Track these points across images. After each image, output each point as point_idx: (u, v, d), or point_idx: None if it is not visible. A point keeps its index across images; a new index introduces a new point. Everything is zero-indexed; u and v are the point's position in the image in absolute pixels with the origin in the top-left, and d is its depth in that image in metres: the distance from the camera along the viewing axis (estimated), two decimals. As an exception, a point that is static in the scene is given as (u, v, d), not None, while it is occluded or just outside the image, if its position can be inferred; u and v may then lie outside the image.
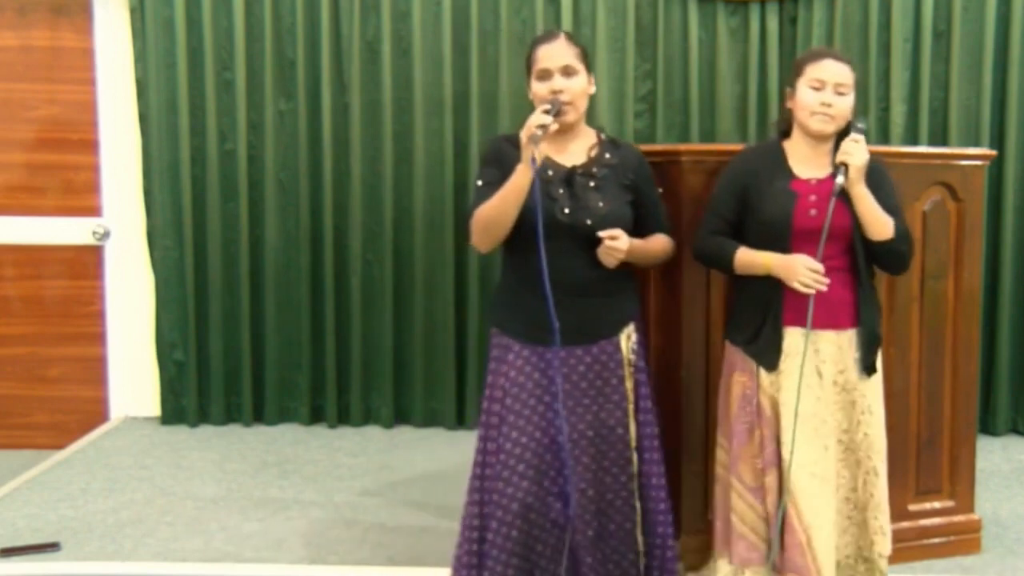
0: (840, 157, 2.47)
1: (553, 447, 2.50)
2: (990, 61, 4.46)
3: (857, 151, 2.46)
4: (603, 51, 4.49)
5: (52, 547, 3.19)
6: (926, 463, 3.18)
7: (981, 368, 4.12)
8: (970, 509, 3.25)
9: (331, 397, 4.64)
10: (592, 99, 4.40)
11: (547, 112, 2.40)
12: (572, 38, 2.59)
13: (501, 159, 2.50)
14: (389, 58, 4.50)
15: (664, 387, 2.96)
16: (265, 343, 4.62)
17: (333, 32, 4.51)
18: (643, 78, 4.56)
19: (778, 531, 2.55)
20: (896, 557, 3.07)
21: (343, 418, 4.68)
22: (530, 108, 2.51)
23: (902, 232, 2.54)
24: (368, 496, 3.75)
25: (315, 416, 4.69)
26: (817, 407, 2.54)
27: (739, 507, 2.63)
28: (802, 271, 2.47)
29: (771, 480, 2.56)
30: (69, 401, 4.74)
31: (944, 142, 4.48)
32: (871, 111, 4.47)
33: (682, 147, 3.04)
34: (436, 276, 4.57)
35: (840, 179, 2.44)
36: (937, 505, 3.20)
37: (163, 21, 4.49)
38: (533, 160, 2.35)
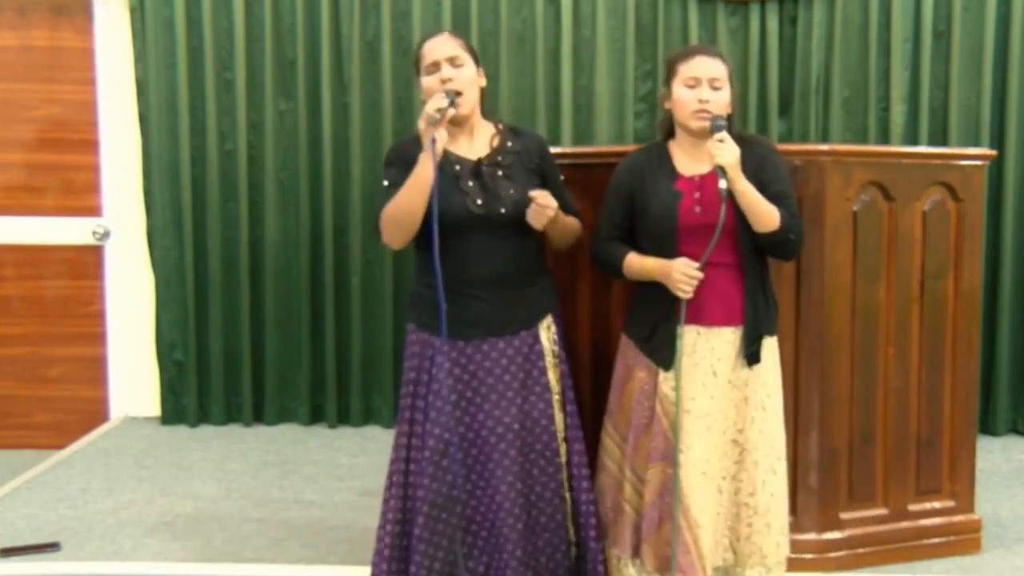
0: (713, 161, 2.45)
1: (478, 441, 2.53)
2: (990, 61, 4.46)
3: (725, 150, 2.44)
4: (603, 51, 4.49)
5: (52, 547, 3.19)
6: (926, 463, 3.18)
7: (981, 368, 4.13)
8: (970, 509, 3.25)
9: (331, 397, 4.64)
10: (592, 99, 4.39)
11: (444, 98, 2.45)
12: (456, 34, 2.64)
13: (405, 158, 2.53)
14: (389, 58, 4.50)
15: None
16: (265, 343, 4.62)
17: (333, 32, 4.51)
18: (643, 78, 4.56)
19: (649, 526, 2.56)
20: (896, 557, 3.08)
21: (343, 418, 4.68)
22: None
23: (787, 221, 2.50)
24: (368, 496, 3.75)
25: (315, 416, 4.69)
26: (711, 406, 2.54)
27: (632, 498, 2.63)
28: (679, 277, 2.48)
29: (653, 474, 2.56)
30: (69, 401, 4.74)
31: (944, 142, 4.48)
32: (871, 111, 4.47)
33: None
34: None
35: (723, 183, 2.43)
36: (937, 505, 3.20)
37: (163, 21, 4.49)
38: (433, 142, 2.39)
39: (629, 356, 2.67)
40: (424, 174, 2.42)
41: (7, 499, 3.68)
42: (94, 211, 4.72)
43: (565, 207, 2.66)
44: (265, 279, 4.60)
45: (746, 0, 4.48)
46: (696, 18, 4.51)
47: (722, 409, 2.55)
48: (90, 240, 4.70)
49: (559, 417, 2.60)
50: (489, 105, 2.69)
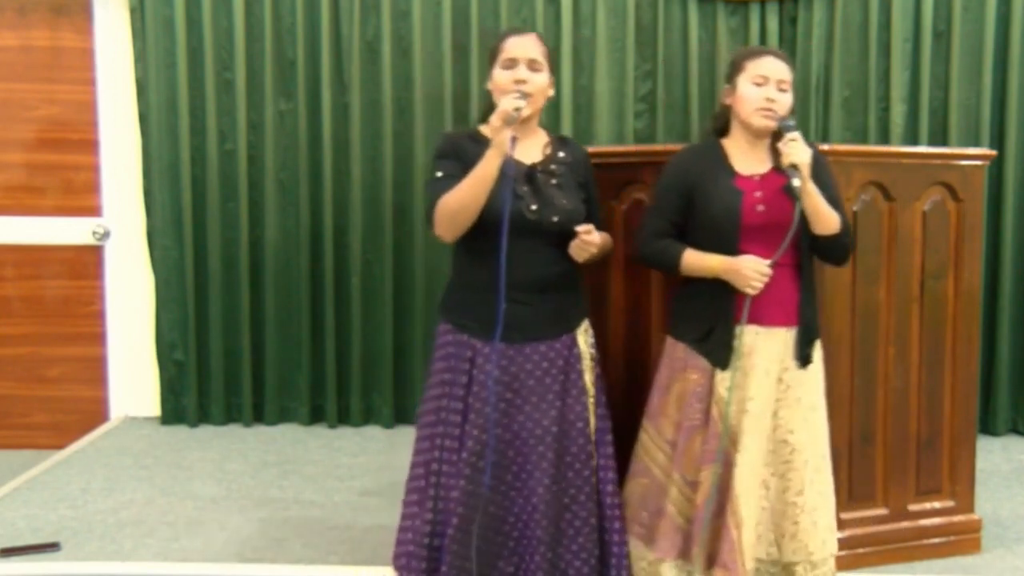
0: (787, 159, 2.45)
1: (516, 443, 2.52)
2: (990, 61, 4.46)
3: (800, 149, 2.45)
4: (603, 51, 4.49)
5: (52, 547, 3.19)
6: (926, 463, 3.18)
7: (981, 368, 4.12)
8: (970, 509, 3.25)
9: (331, 397, 4.64)
10: (592, 99, 4.39)
11: (518, 98, 2.44)
12: (542, 38, 2.63)
13: (459, 152, 2.52)
14: (389, 58, 4.50)
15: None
16: (265, 343, 4.62)
17: (333, 32, 4.51)
18: (643, 78, 4.56)
19: (705, 527, 2.55)
20: (896, 557, 3.08)
21: (343, 418, 4.68)
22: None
23: (846, 225, 2.56)
24: (368, 496, 3.75)
25: (315, 416, 4.69)
26: (765, 405, 2.55)
27: (679, 501, 2.62)
28: (751, 274, 2.48)
29: (704, 476, 2.56)
30: (69, 401, 4.74)
31: (944, 142, 4.48)
32: (871, 111, 4.47)
33: (682, 147, 3.04)
34: (436, 276, 4.56)
35: (796, 182, 2.43)
36: (937, 505, 3.20)
37: (163, 21, 4.49)
38: (513, 140, 2.38)
39: (677, 358, 2.64)
40: (490, 170, 2.40)
41: (7, 499, 3.67)
42: (94, 211, 4.71)
43: (600, 221, 2.68)
44: (265, 279, 4.60)
45: (746, 0, 4.48)
46: (696, 18, 4.51)
47: (772, 408, 2.56)
48: (90, 240, 4.70)
49: (592, 421, 2.60)
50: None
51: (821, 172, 2.57)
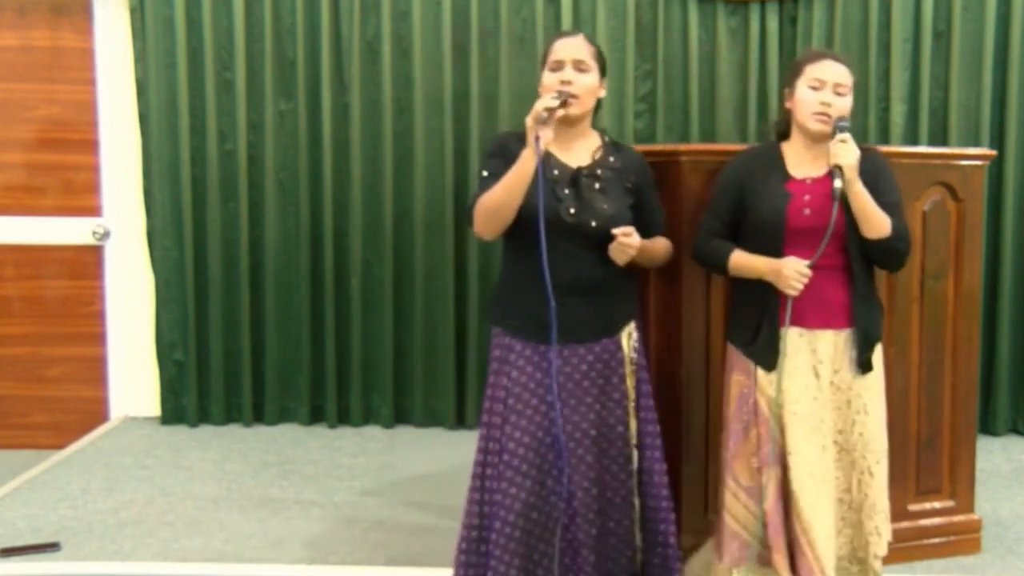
0: (832, 160, 2.46)
1: (556, 446, 2.51)
2: (990, 61, 4.46)
3: (846, 151, 2.45)
4: (603, 51, 4.47)
5: (52, 547, 3.19)
6: (926, 463, 3.18)
7: (981, 368, 4.12)
8: (970, 509, 3.25)
9: (331, 397, 4.64)
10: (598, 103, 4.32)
11: (555, 99, 2.43)
12: (591, 39, 2.63)
13: (506, 152, 2.52)
14: (389, 58, 4.50)
15: (664, 387, 2.96)
16: (265, 343, 4.62)
17: (333, 32, 4.51)
18: (643, 78, 4.56)
19: (780, 530, 2.55)
20: (896, 557, 3.07)
21: (343, 418, 4.68)
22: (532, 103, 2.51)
23: (899, 229, 2.52)
24: (368, 496, 3.75)
25: (315, 416, 4.69)
26: (814, 407, 2.54)
27: (733, 506, 2.63)
28: (790, 275, 2.48)
29: (768, 479, 2.56)
30: (69, 401, 4.74)
31: (944, 142, 4.48)
32: (871, 111, 4.48)
33: (682, 147, 3.05)
34: (436, 276, 4.57)
35: (838, 183, 2.44)
36: (937, 505, 3.20)
37: (163, 21, 4.49)
38: (537, 140, 2.38)
39: (730, 361, 2.67)
40: (525, 169, 2.41)
41: (7, 499, 3.68)
42: (94, 211, 4.71)
43: (657, 227, 2.66)
44: (265, 279, 4.59)
45: (746, 0, 4.48)
46: (696, 18, 4.51)
47: (825, 410, 2.55)
48: (90, 240, 4.70)
49: (632, 424, 2.59)
50: (596, 114, 2.66)
51: (880, 177, 2.56)
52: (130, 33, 4.53)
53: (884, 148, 3.75)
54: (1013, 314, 4.56)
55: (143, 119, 4.54)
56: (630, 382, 2.60)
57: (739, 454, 2.62)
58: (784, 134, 2.67)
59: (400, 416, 4.69)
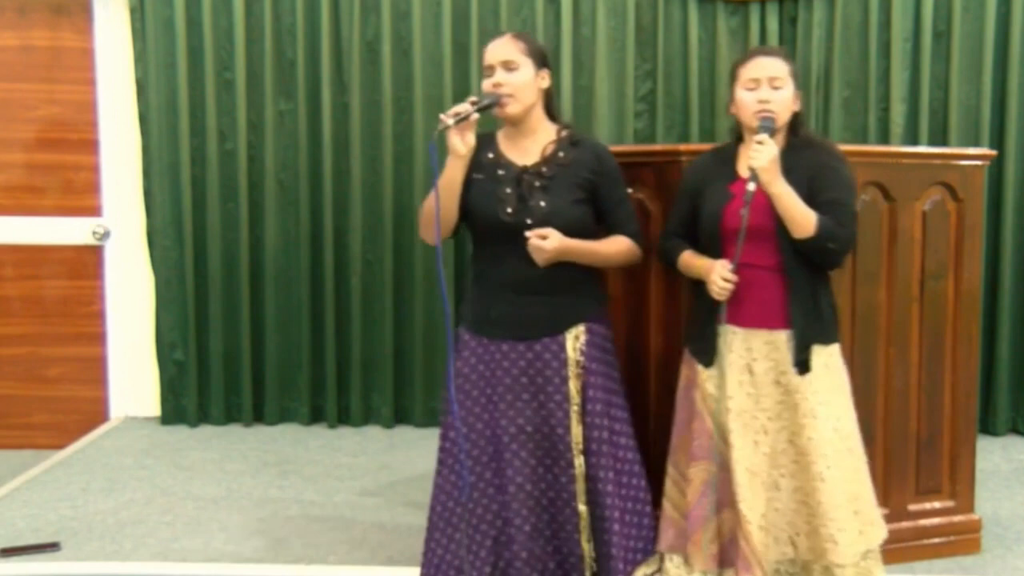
0: (749, 162, 2.45)
1: (494, 439, 2.55)
2: (990, 61, 4.46)
3: (760, 153, 2.44)
4: (603, 51, 4.49)
5: (52, 547, 3.19)
6: (926, 463, 3.18)
7: (981, 368, 4.12)
8: (970, 509, 3.25)
9: (331, 397, 4.64)
10: (592, 99, 4.36)
11: (473, 103, 2.48)
12: (521, 35, 2.62)
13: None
14: (389, 58, 4.50)
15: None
16: (265, 343, 4.62)
17: (333, 32, 4.51)
18: (643, 78, 4.56)
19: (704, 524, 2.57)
20: (896, 557, 3.07)
21: (343, 418, 4.68)
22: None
23: (828, 228, 2.47)
24: (368, 496, 3.75)
25: (315, 416, 4.69)
26: (747, 403, 2.55)
27: (672, 494, 2.67)
28: (713, 277, 2.51)
29: (696, 472, 2.58)
30: (69, 401, 4.74)
31: (944, 142, 4.48)
32: (871, 111, 4.47)
33: (682, 147, 3.04)
34: (436, 276, 4.57)
35: (752, 186, 2.44)
36: (937, 505, 3.20)
37: (163, 21, 4.49)
38: (432, 148, 2.42)
39: (684, 358, 2.71)
40: (450, 176, 2.49)
41: (7, 499, 3.68)
42: (94, 211, 4.71)
43: (619, 224, 2.64)
44: (265, 279, 4.59)
45: (746, 0, 4.48)
46: (696, 18, 4.51)
47: (765, 408, 2.56)
48: (90, 240, 4.70)
49: (576, 429, 2.56)
50: (550, 106, 2.66)
51: (822, 172, 2.54)
52: (130, 33, 4.53)
53: (884, 148, 3.78)
54: (1013, 314, 4.56)
55: (143, 119, 4.54)
56: (573, 385, 2.56)
57: (680, 444, 2.65)
58: (740, 137, 2.68)
59: (400, 416, 4.69)
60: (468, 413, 2.56)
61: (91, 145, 4.69)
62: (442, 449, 2.62)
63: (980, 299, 3.28)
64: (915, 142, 4.48)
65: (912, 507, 3.17)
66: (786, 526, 2.59)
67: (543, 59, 2.60)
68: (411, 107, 4.52)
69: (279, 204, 4.58)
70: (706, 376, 2.60)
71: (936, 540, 3.18)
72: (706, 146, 2.98)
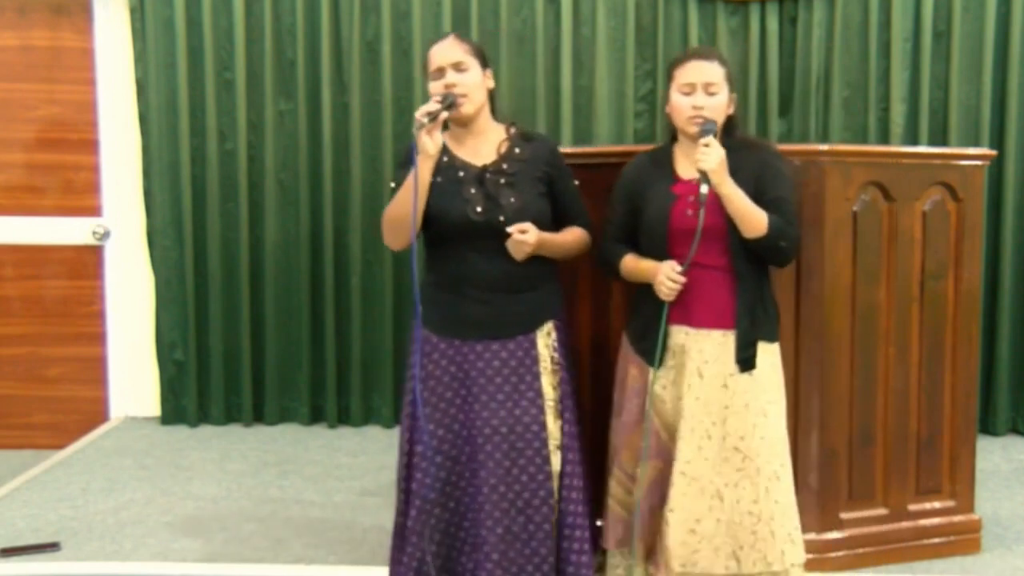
0: (697, 165, 2.46)
1: (469, 440, 2.55)
2: (990, 61, 4.46)
3: (709, 155, 2.44)
4: (603, 51, 4.49)
5: (52, 547, 3.19)
6: (926, 463, 3.18)
7: (981, 368, 4.12)
8: (970, 509, 3.25)
9: (331, 397, 4.64)
10: (592, 99, 4.37)
11: (439, 103, 2.48)
12: (462, 37, 2.64)
13: (413, 161, 2.53)
14: (389, 58, 4.50)
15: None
16: (265, 343, 4.62)
17: (333, 32, 4.52)
18: (643, 78, 4.56)
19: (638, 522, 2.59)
20: (896, 557, 3.08)
21: (343, 418, 4.68)
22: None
23: (779, 227, 2.49)
24: (368, 496, 3.75)
25: (315, 416, 4.69)
26: (695, 407, 2.54)
27: (617, 492, 2.67)
28: (660, 279, 2.50)
29: (643, 471, 2.58)
30: (69, 401, 4.75)
31: (944, 142, 4.48)
32: (871, 111, 4.47)
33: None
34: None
35: (704, 188, 2.44)
36: (937, 505, 3.20)
37: (163, 21, 4.49)
38: (413, 146, 2.43)
39: (623, 354, 2.70)
40: (421, 178, 2.47)
41: (7, 499, 3.68)
42: (94, 211, 4.72)
43: (573, 216, 2.67)
44: (265, 279, 4.60)
45: (746, 0, 4.48)
46: (696, 18, 4.51)
47: (711, 412, 2.53)
48: (90, 240, 4.70)
49: (554, 424, 2.57)
50: (494, 106, 2.68)
51: (767, 172, 2.55)
52: (130, 33, 4.53)
53: (884, 148, 3.78)
54: (1013, 314, 4.55)
55: (143, 119, 4.54)
56: (547, 381, 2.58)
57: (628, 443, 2.64)
58: (675, 136, 2.68)
59: (400, 416, 4.68)
60: (443, 415, 2.54)
61: (91, 145, 4.69)
62: (411, 454, 2.58)
63: (980, 299, 3.28)
64: (915, 142, 4.48)
65: (912, 507, 3.17)
66: (729, 539, 2.54)
67: (485, 59, 2.63)
68: (411, 107, 4.51)
69: (279, 204, 4.58)
70: (653, 376, 2.58)
71: (936, 540, 3.17)
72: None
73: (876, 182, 3.03)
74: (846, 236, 3.00)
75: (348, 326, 4.60)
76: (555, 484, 2.56)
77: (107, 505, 3.60)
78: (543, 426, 2.55)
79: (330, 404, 4.64)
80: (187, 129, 4.51)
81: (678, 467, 2.53)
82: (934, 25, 4.47)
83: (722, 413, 2.54)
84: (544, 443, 2.55)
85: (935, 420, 3.18)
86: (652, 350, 2.58)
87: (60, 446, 4.41)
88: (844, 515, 3.06)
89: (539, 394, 2.56)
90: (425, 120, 2.44)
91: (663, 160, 2.65)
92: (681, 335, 2.56)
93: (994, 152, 3.38)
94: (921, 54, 4.47)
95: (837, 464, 3.04)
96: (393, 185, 2.59)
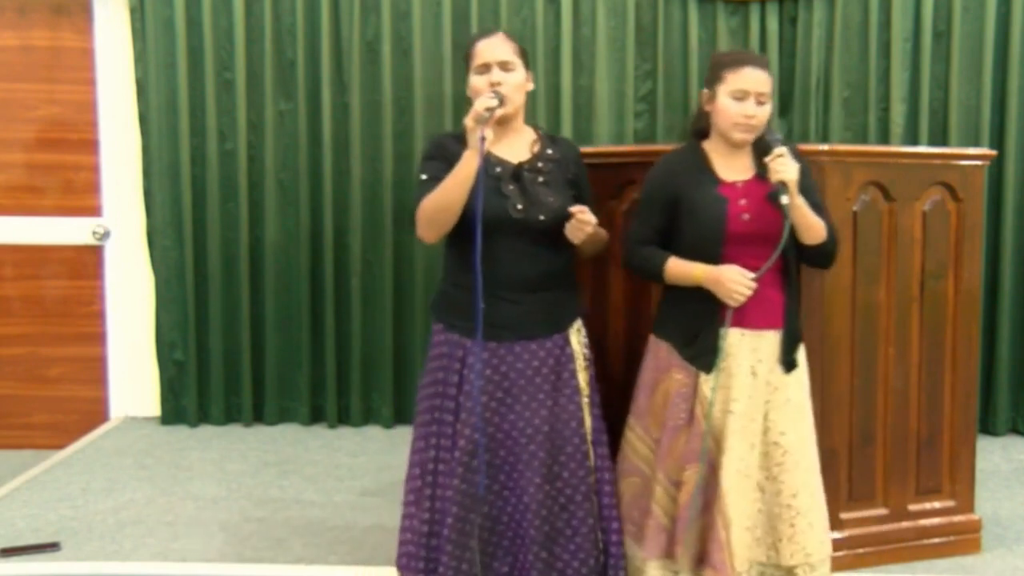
0: (776, 176, 2.45)
1: (508, 442, 2.54)
2: (990, 61, 4.46)
3: (788, 166, 2.45)
4: (603, 51, 4.49)
5: (52, 547, 3.19)
6: (926, 463, 3.18)
7: (981, 368, 4.12)
8: (970, 509, 3.25)
9: (331, 397, 4.64)
10: (592, 99, 4.39)
11: (492, 99, 2.47)
12: (510, 36, 2.65)
13: (445, 154, 2.54)
14: (389, 58, 4.50)
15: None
16: (265, 343, 4.62)
17: (333, 32, 4.51)
18: (643, 78, 4.55)
19: (691, 527, 2.56)
20: (896, 557, 3.08)
21: (343, 418, 4.68)
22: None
23: (832, 233, 2.58)
24: (368, 496, 3.75)
25: (315, 416, 4.69)
26: (748, 406, 2.55)
27: (663, 501, 2.63)
28: (733, 287, 2.49)
29: (690, 475, 2.57)
30: (69, 401, 4.75)
31: (944, 142, 4.48)
32: (871, 111, 4.47)
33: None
34: (435, 276, 4.55)
35: (785, 199, 2.44)
36: (937, 505, 3.20)
37: (163, 21, 4.49)
38: (482, 140, 2.40)
39: (661, 357, 2.66)
40: (467, 171, 2.43)
41: (7, 499, 3.68)
42: (94, 211, 4.72)
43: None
44: (265, 279, 4.59)
45: (746, 0, 4.48)
46: (696, 18, 4.51)
47: (760, 410, 2.56)
48: (90, 240, 4.70)
49: (588, 420, 2.60)
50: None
51: (805, 179, 2.57)
52: (130, 33, 4.53)
53: (884, 148, 3.78)
54: (1013, 314, 4.55)
55: (143, 119, 4.54)
56: (582, 378, 2.61)
57: (672, 451, 2.61)
58: (703, 133, 2.67)
59: (400, 416, 4.69)
60: (479, 419, 2.51)
61: (91, 145, 4.69)
62: (444, 461, 2.55)
63: (980, 299, 3.28)
64: (915, 142, 4.48)
65: (912, 507, 3.17)
66: (770, 530, 2.59)
67: (527, 61, 2.65)
68: (411, 107, 4.52)
69: (279, 204, 4.58)
70: (703, 380, 2.57)
71: (936, 540, 3.18)
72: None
73: (876, 182, 3.03)
74: (846, 236, 2.99)
75: (348, 326, 4.60)
76: (593, 479, 2.58)
77: (107, 505, 3.60)
78: (581, 422, 2.58)
79: (330, 404, 4.64)
80: (187, 129, 4.51)
81: (732, 466, 2.53)
82: (934, 25, 4.47)
83: (763, 408, 2.57)
84: (583, 439, 2.58)
85: (935, 420, 3.19)
86: (704, 355, 2.56)
87: (60, 446, 4.41)
88: (844, 515, 3.06)
89: (577, 391, 2.58)
90: (487, 115, 2.42)
91: (698, 162, 2.63)
92: (736, 337, 2.55)
93: (994, 152, 3.38)
94: (921, 54, 4.47)
95: (837, 464, 3.03)
96: (425, 176, 2.56)
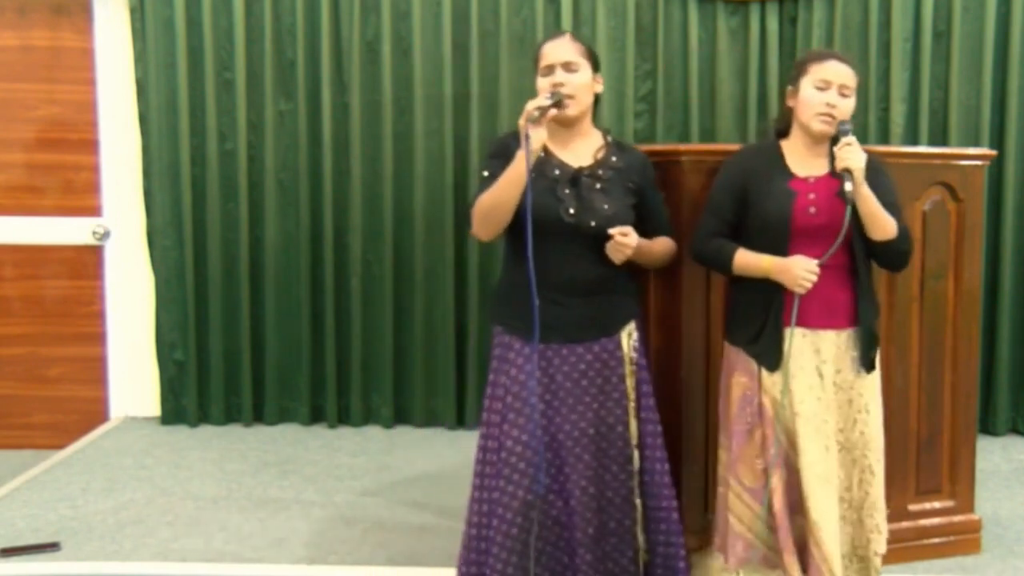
0: (841, 164, 2.46)
1: (554, 444, 2.53)
2: (990, 61, 4.46)
3: (854, 154, 2.46)
4: (603, 51, 4.48)
5: (52, 547, 3.19)
6: (926, 463, 3.18)
7: (981, 368, 4.12)
8: (970, 509, 3.25)
9: (331, 397, 4.64)
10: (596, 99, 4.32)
11: (548, 99, 2.45)
12: (578, 38, 2.63)
13: (507, 152, 2.52)
14: (389, 58, 4.50)
15: (664, 387, 2.95)
16: (265, 343, 4.62)
17: (333, 32, 4.51)
18: (643, 78, 4.56)
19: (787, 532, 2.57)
20: (896, 557, 3.08)
21: (343, 418, 4.68)
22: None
23: (903, 231, 2.55)
24: (368, 496, 3.75)
25: (315, 416, 4.69)
26: (818, 407, 2.55)
27: (737, 507, 2.63)
28: (800, 273, 2.48)
29: (776, 480, 2.56)
30: (69, 401, 4.74)
31: (944, 142, 4.48)
32: (871, 111, 4.48)
33: (682, 147, 3.04)
34: (436, 276, 4.57)
35: (849, 186, 2.44)
36: (937, 505, 3.20)
37: (163, 21, 4.49)
38: (527, 138, 2.38)
39: (730, 361, 2.67)
40: (519, 170, 2.42)
41: (7, 499, 3.68)
42: (94, 211, 4.71)
43: (661, 227, 2.68)
44: (265, 279, 4.59)
45: (746, 0, 4.48)
46: (696, 18, 4.51)
47: (828, 411, 2.56)
48: (90, 240, 4.70)
49: (633, 424, 2.60)
50: (596, 111, 2.67)
51: (879, 177, 2.57)
52: (130, 33, 4.53)
53: (884, 148, 3.77)
54: (1013, 314, 4.56)
55: (143, 119, 4.54)
56: (630, 382, 2.60)
57: (743, 456, 2.61)
58: (784, 132, 2.67)
59: (400, 416, 4.69)
60: (527, 420, 2.50)
61: (91, 145, 4.69)
62: (491, 463, 2.55)
63: (980, 299, 3.29)
64: (915, 142, 4.48)
65: (912, 507, 3.17)
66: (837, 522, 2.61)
67: (596, 63, 2.61)
68: (411, 107, 4.52)
69: (279, 204, 4.58)
70: (771, 382, 2.56)
71: (936, 540, 3.18)
72: (705, 146, 2.98)
73: (876, 182, 3.03)
74: (846, 236, 3.00)
75: (348, 326, 4.60)
76: (636, 480, 2.59)
77: (107, 505, 3.60)
78: (626, 426, 2.58)
79: (330, 404, 4.64)
80: (187, 129, 4.51)
81: (811, 470, 2.52)
82: (934, 25, 4.47)
83: (837, 412, 2.58)
84: (627, 443, 2.59)
85: (935, 420, 3.19)
86: (768, 352, 2.55)
87: (60, 446, 4.41)
88: (844, 515, 3.06)
89: (624, 395, 2.58)
90: (536, 114, 2.41)
91: (773, 156, 2.63)
92: (799, 336, 2.54)
93: (994, 152, 3.38)
94: (921, 54, 4.47)
95: (837, 464, 3.03)
96: (486, 174, 2.55)
